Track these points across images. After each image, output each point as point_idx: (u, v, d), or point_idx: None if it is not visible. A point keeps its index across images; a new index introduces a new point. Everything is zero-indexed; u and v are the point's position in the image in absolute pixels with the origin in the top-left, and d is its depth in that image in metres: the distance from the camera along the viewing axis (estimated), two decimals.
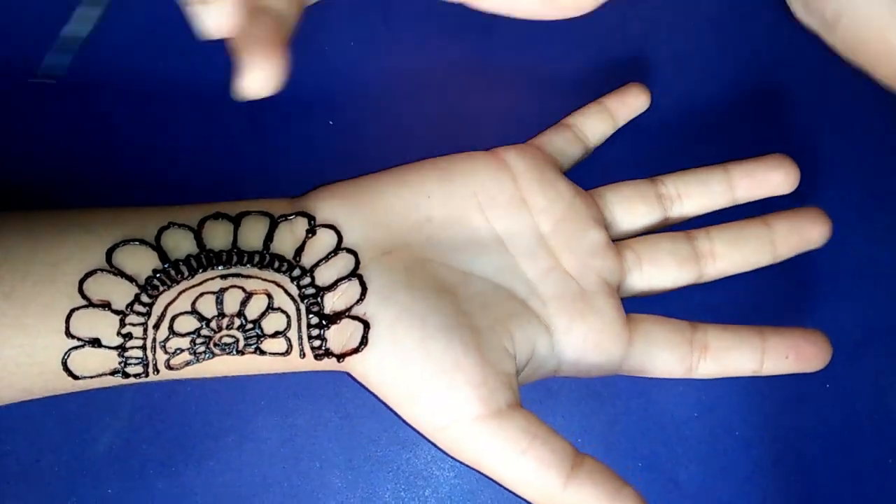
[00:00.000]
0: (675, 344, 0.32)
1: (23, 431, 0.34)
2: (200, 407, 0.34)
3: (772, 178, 0.34)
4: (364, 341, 0.29)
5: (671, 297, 0.34)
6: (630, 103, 0.36)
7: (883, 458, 0.36)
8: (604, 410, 0.36)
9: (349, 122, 0.37)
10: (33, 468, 0.33)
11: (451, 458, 0.29)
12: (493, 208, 0.32)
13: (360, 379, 0.30)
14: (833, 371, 0.36)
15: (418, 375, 0.28)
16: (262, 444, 0.34)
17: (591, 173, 0.35)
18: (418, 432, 0.30)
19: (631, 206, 0.34)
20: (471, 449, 0.28)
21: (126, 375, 0.29)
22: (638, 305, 0.33)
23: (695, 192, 0.35)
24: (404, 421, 0.30)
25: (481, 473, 0.29)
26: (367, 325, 0.29)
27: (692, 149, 0.37)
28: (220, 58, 0.36)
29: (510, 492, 0.29)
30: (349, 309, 0.29)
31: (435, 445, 0.29)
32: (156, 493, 0.34)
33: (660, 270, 0.33)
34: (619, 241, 0.34)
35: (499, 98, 0.38)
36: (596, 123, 0.36)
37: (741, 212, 0.35)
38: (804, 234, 0.34)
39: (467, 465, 0.29)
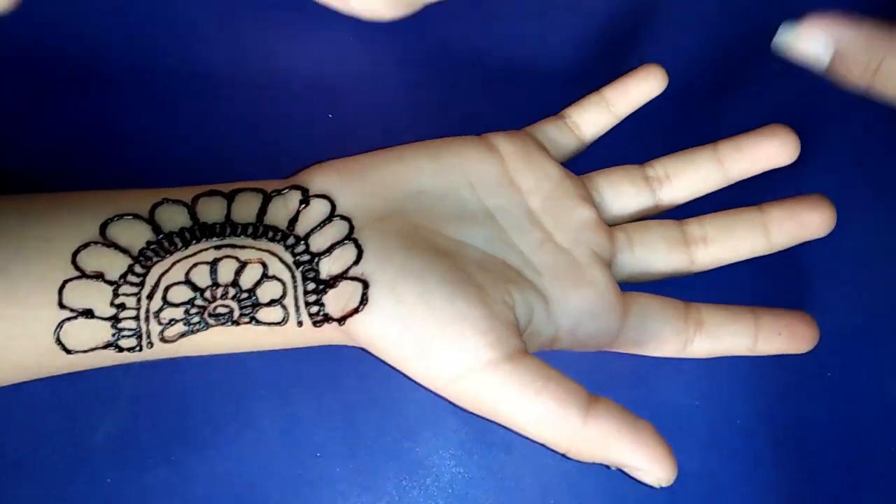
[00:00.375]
0: (670, 318, 0.32)
1: (21, 421, 0.34)
2: (200, 396, 0.34)
3: (764, 149, 0.33)
4: (364, 299, 0.29)
5: (669, 288, 0.34)
6: (632, 92, 0.35)
7: (884, 446, 0.36)
8: None
9: (348, 115, 0.38)
10: (32, 458, 0.33)
11: (467, 412, 0.29)
12: (483, 187, 0.33)
13: (364, 344, 0.30)
14: (834, 359, 0.36)
15: (424, 330, 0.28)
16: (262, 433, 0.34)
17: (586, 163, 0.36)
18: (430, 390, 0.29)
19: (619, 188, 0.34)
20: (486, 397, 0.28)
21: (120, 349, 0.28)
22: None
23: (683, 172, 0.34)
24: (415, 381, 0.29)
25: (498, 424, 0.28)
26: (365, 284, 0.29)
27: (689, 138, 0.37)
28: (218, 49, 0.37)
29: (528, 439, 0.28)
30: (346, 271, 0.29)
31: (449, 402, 0.29)
32: (155, 482, 0.34)
33: (650, 252, 0.33)
34: (611, 226, 0.34)
35: (496, 90, 0.39)
36: (592, 115, 0.35)
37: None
38: (801, 220, 0.33)
39: (483, 418, 0.29)
